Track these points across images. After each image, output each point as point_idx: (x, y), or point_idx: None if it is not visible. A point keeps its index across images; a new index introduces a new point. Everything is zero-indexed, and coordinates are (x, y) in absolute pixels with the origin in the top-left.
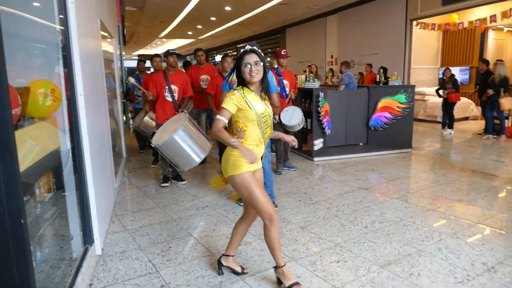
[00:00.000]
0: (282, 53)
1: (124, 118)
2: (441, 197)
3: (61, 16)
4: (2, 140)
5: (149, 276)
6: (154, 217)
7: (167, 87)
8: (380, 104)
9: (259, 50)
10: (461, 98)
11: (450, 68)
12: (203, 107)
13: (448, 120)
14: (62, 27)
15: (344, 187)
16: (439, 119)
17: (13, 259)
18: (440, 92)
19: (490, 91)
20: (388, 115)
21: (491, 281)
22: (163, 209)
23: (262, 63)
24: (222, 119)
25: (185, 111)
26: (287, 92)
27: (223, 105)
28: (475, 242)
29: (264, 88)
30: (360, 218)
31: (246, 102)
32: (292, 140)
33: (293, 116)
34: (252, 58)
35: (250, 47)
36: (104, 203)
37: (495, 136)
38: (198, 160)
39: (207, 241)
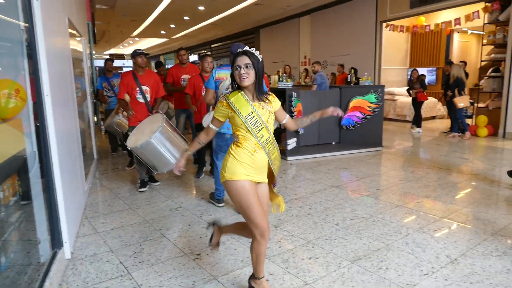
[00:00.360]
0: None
1: (95, 119)
2: (409, 193)
3: (26, 25)
4: None
5: (121, 278)
6: (126, 219)
7: (137, 89)
8: (351, 104)
9: (254, 52)
10: (428, 98)
11: (417, 69)
12: (184, 107)
13: (416, 119)
14: (27, 25)
15: (316, 185)
16: (408, 118)
17: None
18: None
19: (449, 93)
20: (359, 114)
21: (454, 273)
22: (135, 210)
23: (254, 66)
24: (211, 128)
25: (161, 112)
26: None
27: (214, 114)
28: (440, 236)
29: (259, 93)
30: (332, 215)
31: (231, 107)
32: (333, 110)
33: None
34: (242, 61)
35: (241, 48)
36: (74, 206)
37: (460, 134)
38: (175, 162)
39: (180, 241)
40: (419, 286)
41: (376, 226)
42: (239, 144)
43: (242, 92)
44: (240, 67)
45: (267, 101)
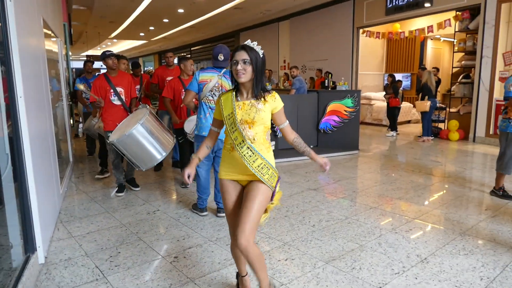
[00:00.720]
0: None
1: (71, 121)
2: (383, 195)
3: None
4: None
5: (96, 282)
6: (102, 222)
7: (112, 91)
8: (328, 108)
9: (254, 46)
10: (402, 103)
11: (394, 74)
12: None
13: (390, 123)
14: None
15: (294, 188)
16: (384, 122)
17: None
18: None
19: (418, 100)
20: (336, 118)
21: (423, 271)
22: (112, 214)
23: (252, 62)
24: (212, 129)
25: (143, 105)
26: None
27: (214, 115)
28: (411, 236)
29: (256, 90)
30: (309, 217)
31: (219, 104)
32: (324, 163)
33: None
34: (240, 56)
35: (222, 51)
36: (48, 210)
37: (433, 138)
38: (159, 157)
39: (157, 244)
40: (390, 285)
41: (351, 227)
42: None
43: (236, 90)
44: (237, 63)
45: (262, 99)
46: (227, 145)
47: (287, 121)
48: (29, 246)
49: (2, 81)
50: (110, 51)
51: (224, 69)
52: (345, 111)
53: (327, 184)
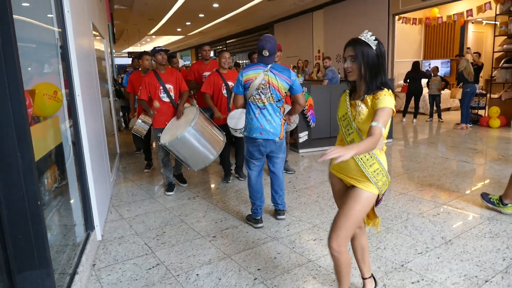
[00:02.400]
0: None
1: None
2: (414, 182)
3: (59, 30)
4: (21, 134)
5: (146, 256)
6: (148, 206)
7: (161, 88)
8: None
9: (364, 38)
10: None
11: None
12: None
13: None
14: (60, 30)
15: (326, 176)
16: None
17: (32, 236)
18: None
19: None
20: None
21: (446, 252)
22: (156, 199)
23: (357, 58)
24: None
25: (193, 104)
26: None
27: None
28: (437, 220)
29: (368, 89)
30: None
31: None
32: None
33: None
34: (347, 52)
35: (270, 41)
36: (102, 194)
37: (471, 125)
38: (212, 157)
39: (197, 226)
40: (412, 263)
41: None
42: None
43: (349, 89)
44: (345, 60)
45: (369, 99)
46: (337, 143)
47: (380, 124)
48: (88, 224)
49: (64, 83)
50: (160, 47)
51: (270, 64)
52: None
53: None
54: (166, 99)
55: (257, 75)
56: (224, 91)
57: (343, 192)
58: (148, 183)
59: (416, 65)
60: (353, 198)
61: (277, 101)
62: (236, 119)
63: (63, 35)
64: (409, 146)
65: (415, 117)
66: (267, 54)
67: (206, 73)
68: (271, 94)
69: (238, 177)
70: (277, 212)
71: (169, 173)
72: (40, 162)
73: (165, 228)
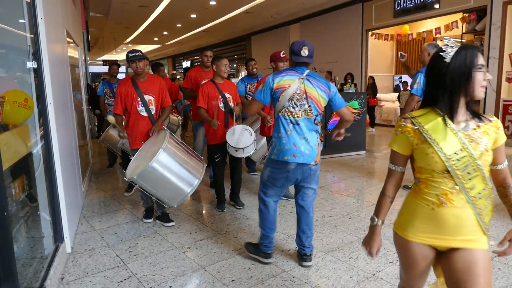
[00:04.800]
0: (282, 55)
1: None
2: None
3: (32, 36)
4: None
5: (117, 268)
6: (121, 218)
7: (139, 100)
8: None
9: (448, 45)
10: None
11: (372, 76)
12: (201, 119)
13: (370, 120)
14: (32, 36)
15: None
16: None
17: None
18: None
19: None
20: None
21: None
22: (130, 210)
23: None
24: (397, 170)
25: (165, 128)
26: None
27: (392, 144)
28: None
29: (473, 113)
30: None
31: (420, 135)
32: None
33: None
34: (481, 59)
35: (306, 45)
36: (73, 205)
37: None
38: (189, 190)
39: (172, 237)
40: (383, 273)
41: (352, 222)
42: (418, 189)
43: (442, 114)
44: (482, 68)
45: (483, 126)
46: (430, 197)
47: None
48: (58, 236)
49: (35, 90)
50: (137, 50)
51: (307, 70)
52: (352, 112)
53: (333, 183)
54: (144, 114)
55: (291, 82)
56: (222, 105)
57: (430, 263)
58: (121, 194)
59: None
60: (481, 267)
61: (315, 116)
62: (238, 137)
63: (36, 41)
64: (382, 158)
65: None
66: (307, 53)
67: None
68: (308, 106)
69: (235, 205)
70: (303, 257)
71: (148, 198)
72: (8, 171)
73: (138, 240)
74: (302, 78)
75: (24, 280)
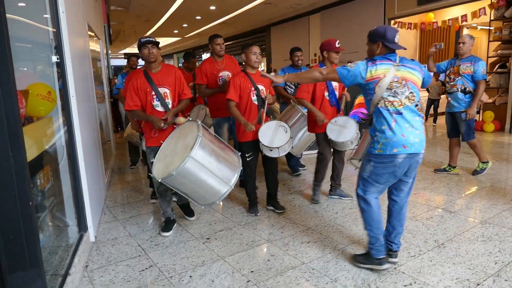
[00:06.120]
0: (337, 44)
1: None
2: None
3: (54, 30)
4: (13, 134)
5: (139, 258)
6: (143, 208)
7: (154, 94)
8: (356, 101)
9: None
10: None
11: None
12: (224, 114)
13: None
14: (54, 30)
15: None
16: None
17: (23, 236)
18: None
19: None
20: (364, 111)
21: (439, 255)
22: (151, 201)
23: None
24: None
25: (190, 118)
26: (337, 96)
27: None
28: (430, 223)
29: None
30: (332, 205)
31: None
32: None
33: (344, 131)
34: None
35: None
36: (96, 196)
37: None
38: (225, 190)
39: (191, 228)
40: (404, 266)
41: None
42: None
43: None
44: None
45: None
46: None
47: None
48: (82, 226)
49: (58, 83)
50: (148, 37)
51: (398, 56)
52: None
53: (353, 175)
54: (160, 109)
55: (386, 72)
56: (254, 97)
57: None
58: (143, 185)
59: None
60: None
61: (417, 102)
62: (272, 134)
63: (58, 35)
64: None
65: None
66: (398, 39)
67: (223, 73)
68: (410, 92)
69: (274, 209)
70: (391, 253)
71: (167, 206)
72: (32, 163)
73: (159, 230)
74: (397, 65)
75: (50, 268)
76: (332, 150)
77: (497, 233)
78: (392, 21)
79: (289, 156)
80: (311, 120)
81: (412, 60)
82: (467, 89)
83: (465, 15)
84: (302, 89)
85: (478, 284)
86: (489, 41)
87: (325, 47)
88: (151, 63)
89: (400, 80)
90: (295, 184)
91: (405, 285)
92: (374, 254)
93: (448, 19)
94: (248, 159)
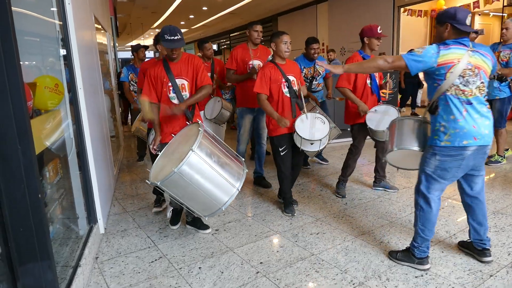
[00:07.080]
0: (379, 30)
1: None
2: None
3: (60, 23)
4: (21, 128)
5: (148, 249)
6: (151, 199)
7: (170, 85)
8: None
9: None
10: None
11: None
12: (250, 105)
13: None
14: (61, 23)
15: (329, 169)
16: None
17: (33, 228)
18: None
19: None
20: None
21: (450, 246)
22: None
23: None
24: None
25: (199, 122)
26: (378, 84)
27: None
28: (442, 214)
29: None
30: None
31: None
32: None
33: (386, 118)
34: None
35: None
36: (105, 187)
37: None
38: (227, 199)
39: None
40: None
41: (383, 205)
42: None
43: None
44: None
45: None
46: None
47: None
48: (91, 218)
49: (65, 75)
50: (176, 32)
51: (471, 42)
52: (383, 93)
53: (362, 166)
54: (176, 101)
55: (460, 57)
56: (286, 90)
57: None
58: None
59: None
60: None
61: (486, 92)
62: (310, 127)
63: (64, 27)
64: None
65: (413, 108)
66: (470, 21)
67: (254, 62)
68: (481, 82)
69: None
70: (484, 252)
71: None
72: (41, 155)
73: (168, 221)
74: (471, 51)
75: (60, 259)
76: (374, 142)
77: (510, 224)
78: (402, 9)
79: None
80: (349, 111)
81: (484, 45)
82: (504, 77)
83: (477, 1)
84: (343, 78)
85: (491, 276)
86: (502, 28)
87: (366, 33)
88: (172, 59)
89: (474, 68)
90: (302, 176)
91: (416, 276)
92: (418, 254)
93: (460, 6)
94: (282, 154)
